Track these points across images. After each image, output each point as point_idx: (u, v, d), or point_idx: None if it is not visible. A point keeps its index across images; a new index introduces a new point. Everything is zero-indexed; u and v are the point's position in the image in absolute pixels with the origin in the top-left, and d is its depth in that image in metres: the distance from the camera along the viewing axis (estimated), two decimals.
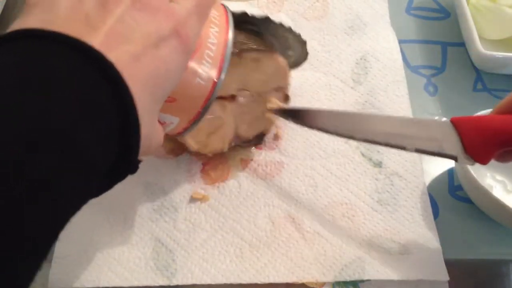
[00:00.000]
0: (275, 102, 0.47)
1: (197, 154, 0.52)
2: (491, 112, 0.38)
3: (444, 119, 0.39)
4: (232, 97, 0.48)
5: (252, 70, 0.47)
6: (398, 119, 0.43)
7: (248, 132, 0.52)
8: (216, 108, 0.48)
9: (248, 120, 0.51)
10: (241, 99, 0.49)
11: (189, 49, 0.30)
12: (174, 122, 0.36)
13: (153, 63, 0.27)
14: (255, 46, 0.46)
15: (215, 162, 0.53)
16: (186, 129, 0.37)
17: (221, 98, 0.48)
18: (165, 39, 0.28)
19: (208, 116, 0.37)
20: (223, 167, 0.53)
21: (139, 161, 0.28)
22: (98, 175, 0.25)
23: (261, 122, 0.52)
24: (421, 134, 0.40)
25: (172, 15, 0.28)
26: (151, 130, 0.29)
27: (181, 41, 0.28)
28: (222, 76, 0.35)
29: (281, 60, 0.48)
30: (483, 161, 0.38)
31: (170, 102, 0.34)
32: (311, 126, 0.44)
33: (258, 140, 0.53)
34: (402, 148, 0.40)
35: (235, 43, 0.37)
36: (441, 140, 0.39)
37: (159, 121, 0.35)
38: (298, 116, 0.44)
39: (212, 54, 0.35)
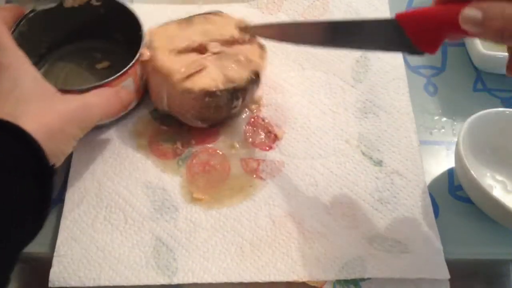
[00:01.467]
0: (242, 22, 0.56)
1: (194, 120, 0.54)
2: (433, 3, 0.39)
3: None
4: (206, 48, 0.54)
5: (206, 24, 0.56)
6: (347, 23, 0.45)
7: (239, 72, 0.52)
8: (192, 55, 0.53)
9: (232, 63, 0.53)
10: (212, 47, 0.54)
11: None
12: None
13: None
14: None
15: (215, 162, 0.53)
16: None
17: (194, 50, 0.54)
18: None
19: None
20: (223, 167, 0.53)
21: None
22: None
23: (249, 65, 0.53)
24: (373, 34, 0.43)
25: None
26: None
27: None
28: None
29: (226, 14, 0.57)
30: (431, 51, 0.39)
31: None
32: (271, 38, 0.52)
33: (255, 78, 0.53)
34: (356, 48, 0.45)
35: None
36: (391, 37, 0.40)
37: None
38: (258, 31, 0.53)
39: None
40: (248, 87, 0.52)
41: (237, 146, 0.54)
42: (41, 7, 0.52)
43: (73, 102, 0.42)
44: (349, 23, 0.45)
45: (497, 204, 0.45)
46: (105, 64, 0.57)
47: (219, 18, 0.57)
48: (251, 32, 0.54)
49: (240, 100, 0.53)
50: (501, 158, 0.53)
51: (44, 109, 0.37)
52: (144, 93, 0.55)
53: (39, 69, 0.54)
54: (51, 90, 0.41)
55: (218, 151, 0.54)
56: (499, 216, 0.47)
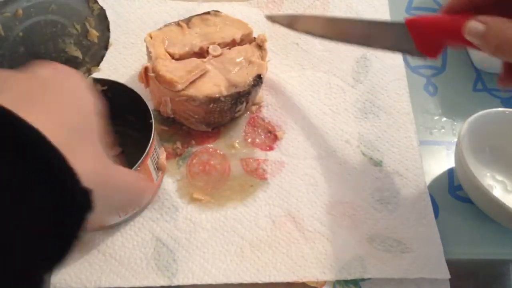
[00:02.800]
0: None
1: (195, 123, 0.53)
2: (441, 11, 0.42)
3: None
4: (208, 53, 0.54)
5: (205, 26, 0.57)
6: (364, 22, 0.51)
7: (242, 76, 0.52)
8: (194, 60, 0.53)
9: (233, 67, 0.53)
10: (212, 50, 0.54)
11: None
12: None
13: None
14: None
15: (215, 162, 0.53)
16: None
17: (195, 54, 0.54)
18: None
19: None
20: (223, 167, 0.53)
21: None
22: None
23: (250, 67, 0.53)
24: (382, 34, 0.47)
25: None
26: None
27: None
28: None
29: (225, 15, 0.58)
30: (432, 56, 0.43)
31: None
32: (295, 29, 0.56)
33: (258, 81, 0.53)
34: (368, 46, 0.48)
35: None
36: (398, 39, 0.44)
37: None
38: (287, 22, 0.56)
39: None
40: (251, 91, 0.53)
41: (237, 146, 0.54)
42: None
43: (130, 175, 0.35)
44: (366, 23, 0.50)
45: (497, 204, 0.45)
46: (116, 150, 0.52)
47: (218, 19, 0.57)
48: (288, 24, 0.56)
49: (244, 104, 0.53)
50: (501, 158, 0.53)
51: (99, 164, 0.30)
52: (159, 185, 0.51)
53: None
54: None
55: (218, 151, 0.54)
56: (499, 216, 0.47)
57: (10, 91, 0.25)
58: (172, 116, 0.54)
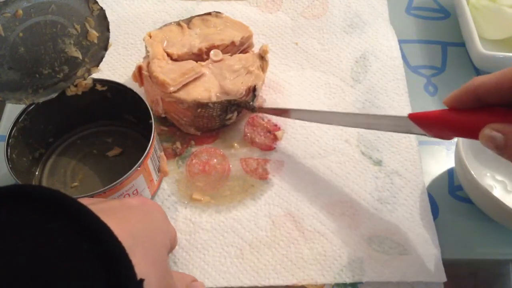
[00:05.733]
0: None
1: (189, 127, 0.53)
2: (445, 104, 0.39)
3: (402, 115, 0.43)
4: (206, 54, 0.54)
5: (205, 27, 0.56)
6: (366, 116, 0.50)
7: (235, 85, 0.52)
8: (190, 62, 0.53)
9: (230, 74, 0.52)
10: (213, 55, 0.54)
11: None
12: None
13: None
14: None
15: (215, 162, 0.53)
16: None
17: (193, 55, 0.54)
18: None
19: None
20: (223, 167, 0.53)
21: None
22: None
23: (247, 76, 0.53)
24: (385, 125, 0.47)
25: None
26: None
27: None
28: None
29: (226, 16, 0.58)
30: (448, 139, 0.42)
31: None
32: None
33: (252, 96, 0.53)
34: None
35: None
36: (406, 128, 0.43)
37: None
38: (281, 113, 0.54)
39: None
40: (242, 103, 0.52)
41: (237, 146, 0.54)
42: (41, 98, 0.46)
43: (180, 282, 0.39)
44: (370, 118, 0.49)
45: (497, 204, 0.45)
46: (116, 151, 0.52)
47: (219, 20, 0.57)
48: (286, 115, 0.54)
49: (235, 114, 0.53)
50: (501, 158, 0.53)
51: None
52: (159, 185, 0.51)
53: (45, 162, 0.51)
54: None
55: (217, 151, 0.54)
56: (499, 216, 0.47)
57: (97, 205, 0.31)
58: (164, 115, 0.54)
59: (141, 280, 0.26)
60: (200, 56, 0.54)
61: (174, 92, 0.50)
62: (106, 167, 0.51)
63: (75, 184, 0.50)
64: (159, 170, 0.49)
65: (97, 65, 0.48)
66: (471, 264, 0.48)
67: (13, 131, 0.46)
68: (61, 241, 0.24)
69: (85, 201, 0.32)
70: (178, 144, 0.54)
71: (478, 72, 0.63)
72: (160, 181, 0.51)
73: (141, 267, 0.28)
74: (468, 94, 0.37)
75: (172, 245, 0.41)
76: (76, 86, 0.48)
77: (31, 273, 0.22)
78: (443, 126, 0.39)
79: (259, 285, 0.45)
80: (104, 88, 0.50)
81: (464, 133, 0.39)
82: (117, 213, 0.33)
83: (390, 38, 0.64)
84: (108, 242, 0.25)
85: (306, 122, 0.56)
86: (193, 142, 0.54)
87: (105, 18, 0.47)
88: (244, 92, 0.52)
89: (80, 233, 0.25)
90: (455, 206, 0.52)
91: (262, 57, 0.55)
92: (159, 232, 0.35)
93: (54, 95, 0.47)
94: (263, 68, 0.55)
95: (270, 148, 0.54)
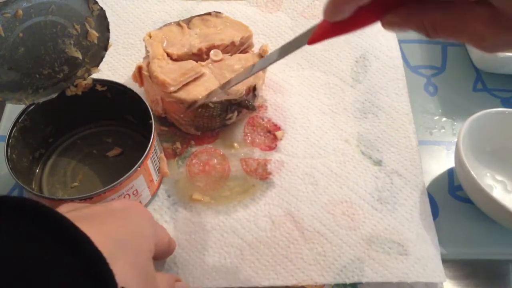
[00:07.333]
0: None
1: (188, 127, 0.53)
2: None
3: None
4: (206, 54, 0.54)
5: (205, 27, 0.56)
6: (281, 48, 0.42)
7: (236, 85, 0.51)
8: (191, 62, 0.53)
9: (230, 74, 0.52)
10: (213, 55, 0.53)
11: None
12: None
13: None
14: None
15: (215, 162, 0.53)
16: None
17: (193, 55, 0.54)
18: None
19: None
20: (223, 167, 0.53)
21: None
22: None
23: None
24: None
25: None
26: None
27: None
28: None
29: (226, 16, 0.58)
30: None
31: None
32: None
33: (252, 95, 0.53)
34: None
35: None
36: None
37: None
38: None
39: None
40: (242, 102, 0.52)
41: (237, 146, 0.54)
42: (41, 98, 0.46)
43: (163, 283, 0.39)
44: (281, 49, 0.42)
45: (497, 204, 0.45)
46: (116, 151, 0.53)
47: (219, 20, 0.57)
48: None
49: (235, 113, 0.53)
50: (501, 158, 0.53)
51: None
52: (159, 185, 0.51)
53: (45, 163, 0.51)
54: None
55: (217, 151, 0.54)
56: (499, 216, 0.47)
57: (80, 211, 0.33)
58: (163, 115, 0.54)
59: None
60: (200, 56, 0.54)
61: (174, 92, 0.50)
62: (106, 167, 0.51)
63: (75, 184, 0.50)
64: (159, 171, 0.49)
65: (97, 65, 0.49)
66: (471, 264, 0.48)
67: (13, 131, 0.46)
68: (43, 253, 0.25)
69: (69, 206, 0.33)
70: (178, 144, 0.54)
71: (478, 72, 0.63)
72: (160, 181, 0.51)
73: (123, 274, 0.28)
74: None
75: (165, 249, 0.43)
76: (76, 86, 0.48)
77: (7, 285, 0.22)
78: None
79: (259, 286, 0.45)
80: (104, 88, 0.50)
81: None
82: (100, 218, 0.33)
83: (390, 38, 0.64)
84: (88, 251, 0.26)
85: (305, 122, 0.56)
86: (193, 142, 0.54)
87: (105, 18, 0.47)
88: (244, 92, 0.52)
89: (59, 244, 0.25)
90: (455, 206, 0.52)
91: (262, 57, 0.55)
92: (142, 236, 0.35)
93: (54, 95, 0.47)
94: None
95: (270, 148, 0.54)
